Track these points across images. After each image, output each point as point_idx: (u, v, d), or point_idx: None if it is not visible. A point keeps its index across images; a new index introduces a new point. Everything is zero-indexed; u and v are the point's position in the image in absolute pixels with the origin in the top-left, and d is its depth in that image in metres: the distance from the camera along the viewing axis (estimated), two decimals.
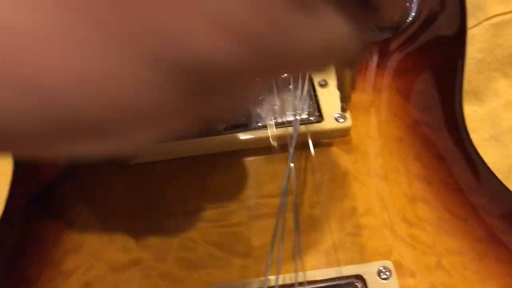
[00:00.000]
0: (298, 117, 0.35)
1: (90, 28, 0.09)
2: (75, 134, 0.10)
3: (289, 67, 0.11)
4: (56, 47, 0.09)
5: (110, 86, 0.09)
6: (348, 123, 0.36)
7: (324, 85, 0.38)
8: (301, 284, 0.29)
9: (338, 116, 0.36)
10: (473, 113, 0.45)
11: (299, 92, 0.37)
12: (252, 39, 0.10)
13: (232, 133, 0.36)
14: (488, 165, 0.36)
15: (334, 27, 0.12)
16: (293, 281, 0.29)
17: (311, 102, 0.37)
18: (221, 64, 0.10)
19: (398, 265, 0.31)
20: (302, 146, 0.36)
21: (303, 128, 0.35)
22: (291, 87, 0.38)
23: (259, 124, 0.36)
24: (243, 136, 0.36)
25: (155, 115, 0.10)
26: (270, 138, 0.35)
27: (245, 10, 0.09)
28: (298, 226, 0.32)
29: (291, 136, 0.34)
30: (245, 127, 0.36)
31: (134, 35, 0.09)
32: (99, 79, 0.09)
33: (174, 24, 0.09)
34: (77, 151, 0.11)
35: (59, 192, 0.36)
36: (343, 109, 0.36)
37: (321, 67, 0.12)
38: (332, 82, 0.38)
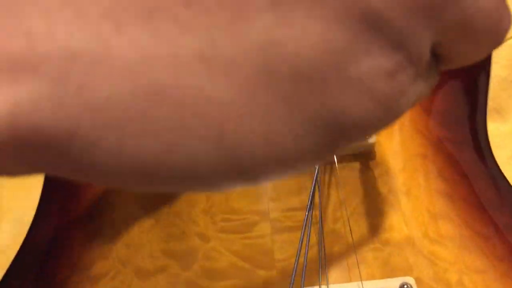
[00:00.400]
0: None
1: (275, 101, 0.12)
2: (239, 177, 0.13)
3: (393, 122, 0.15)
4: (252, 116, 0.12)
5: (282, 143, 0.12)
6: (372, 139, 0.37)
7: None
8: None
9: None
10: (496, 131, 0.45)
11: None
12: (387, 105, 0.13)
13: None
14: (511, 182, 0.36)
15: (424, 87, 0.15)
16: None
17: None
18: (362, 124, 0.13)
19: (419, 281, 0.31)
20: (326, 161, 0.36)
21: None
22: None
23: None
24: None
25: (303, 162, 0.13)
26: None
27: (388, 85, 0.13)
28: (322, 240, 0.32)
29: None
30: None
31: (307, 106, 0.12)
32: (274, 139, 0.12)
33: (339, 97, 0.12)
34: (228, 189, 0.14)
35: (89, 200, 0.37)
36: None
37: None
38: None
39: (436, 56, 0.15)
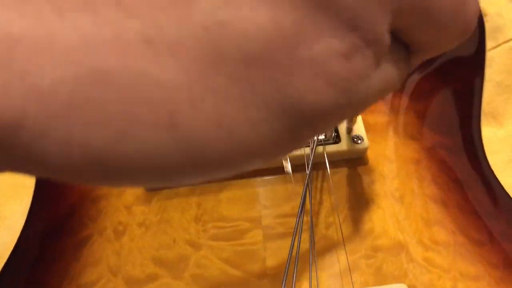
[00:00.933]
0: (315, 138, 0.36)
1: (226, 84, 0.11)
2: (198, 168, 0.12)
3: (360, 110, 0.14)
4: (203, 99, 0.11)
5: (237, 129, 0.12)
6: (365, 144, 0.36)
7: None
8: None
9: (355, 138, 0.36)
10: (491, 136, 0.45)
11: None
12: (346, 89, 0.12)
13: None
14: (506, 188, 0.36)
15: (392, 75, 0.15)
16: None
17: None
18: (320, 110, 0.12)
19: None
20: (319, 166, 0.36)
21: (320, 148, 0.36)
22: None
23: None
24: None
25: (263, 151, 0.13)
26: (283, 160, 0.36)
27: (344, 68, 0.12)
28: (314, 247, 0.32)
29: (308, 157, 0.35)
30: None
31: (260, 89, 0.12)
32: (229, 124, 0.12)
33: (293, 80, 0.12)
34: (188, 182, 0.13)
35: (79, 208, 0.36)
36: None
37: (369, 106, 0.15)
38: None
39: (405, 45, 0.15)
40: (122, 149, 0.11)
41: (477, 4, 0.14)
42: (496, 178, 0.36)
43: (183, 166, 0.12)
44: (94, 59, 0.11)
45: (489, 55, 0.46)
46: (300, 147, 0.15)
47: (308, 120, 0.13)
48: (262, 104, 0.12)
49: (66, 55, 0.10)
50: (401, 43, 0.15)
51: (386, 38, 0.13)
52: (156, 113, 0.11)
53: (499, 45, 0.47)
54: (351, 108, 0.13)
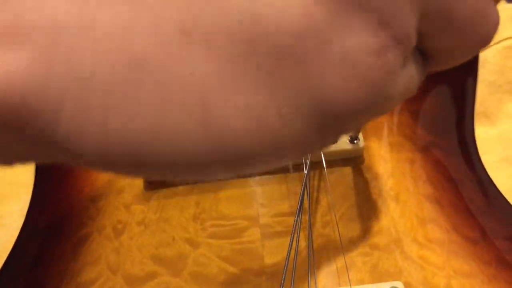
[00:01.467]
0: None
1: (258, 75, 0.12)
2: (227, 161, 0.13)
3: (382, 112, 0.14)
4: (235, 89, 0.12)
5: (267, 121, 0.12)
6: (361, 144, 0.37)
7: None
8: None
9: (351, 137, 0.37)
10: (484, 135, 0.45)
11: None
12: (376, 86, 0.13)
13: None
14: (498, 187, 0.36)
15: (415, 75, 0.15)
16: None
17: None
18: (350, 105, 0.12)
19: (408, 286, 0.31)
20: (315, 166, 0.36)
21: None
22: None
23: None
24: None
25: (291, 146, 0.13)
26: None
27: (375, 64, 0.12)
28: (312, 245, 0.32)
29: (305, 156, 0.35)
30: None
31: (291, 82, 0.12)
32: (260, 116, 0.12)
33: (324, 75, 0.12)
34: (216, 175, 0.13)
35: (78, 206, 0.37)
36: (354, 138, 0.37)
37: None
38: None
39: (423, 53, 0.15)
40: (156, 138, 0.12)
41: (498, 16, 0.14)
42: (489, 177, 0.37)
43: (213, 158, 0.12)
44: (132, 48, 0.11)
45: (482, 55, 0.47)
46: (325, 146, 0.15)
47: (336, 116, 0.13)
48: (292, 97, 0.12)
49: (106, 43, 0.11)
50: (418, 50, 0.15)
51: (413, 38, 0.13)
52: (190, 101, 0.12)
53: (491, 45, 0.48)
54: (376, 107, 0.13)
